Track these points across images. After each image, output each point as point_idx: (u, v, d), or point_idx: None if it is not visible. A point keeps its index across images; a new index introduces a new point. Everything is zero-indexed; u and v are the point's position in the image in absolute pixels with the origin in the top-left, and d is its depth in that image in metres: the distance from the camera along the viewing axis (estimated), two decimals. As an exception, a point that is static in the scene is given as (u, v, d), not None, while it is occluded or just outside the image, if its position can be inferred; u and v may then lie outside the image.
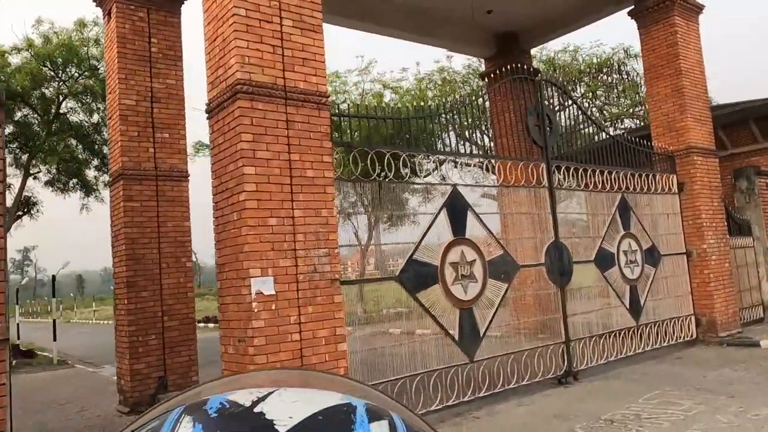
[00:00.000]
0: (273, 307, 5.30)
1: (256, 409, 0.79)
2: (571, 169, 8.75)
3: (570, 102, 9.28)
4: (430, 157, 7.41)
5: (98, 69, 14.79)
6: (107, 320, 29.16)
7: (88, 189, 16.54)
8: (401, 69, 28.12)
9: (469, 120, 7.98)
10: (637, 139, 10.22)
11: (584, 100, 22.21)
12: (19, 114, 14.73)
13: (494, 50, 13.69)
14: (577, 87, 22.55)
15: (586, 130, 9.71)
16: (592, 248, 8.99)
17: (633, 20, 11.48)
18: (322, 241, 5.70)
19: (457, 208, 7.25)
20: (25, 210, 16.06)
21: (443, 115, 7.54)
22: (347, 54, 20.33)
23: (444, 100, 7.27)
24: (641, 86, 23.48)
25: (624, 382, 7.77)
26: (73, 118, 15.22)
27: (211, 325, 22.47)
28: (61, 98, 14.62)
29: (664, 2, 10.87)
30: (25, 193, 16.07)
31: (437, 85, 23.27)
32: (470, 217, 7.39)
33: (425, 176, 7.36)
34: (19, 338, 23.08)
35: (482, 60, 15.85)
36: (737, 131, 14.27)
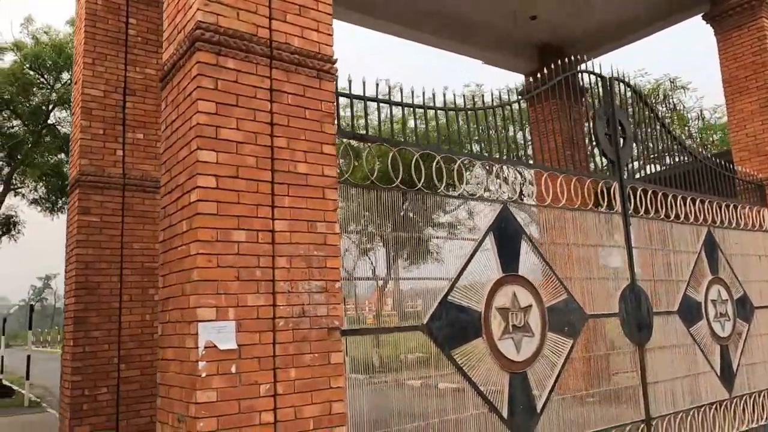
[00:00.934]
0: (232, 370, 3.39)
1: None
2: (648, 192, 6.80)
3: (643, 107, 7.36)
4: (475, 164, 5.53)
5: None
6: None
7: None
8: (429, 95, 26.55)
9: (515, 124, 6.11)
10: (724, 162, 8.26)
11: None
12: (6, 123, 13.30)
13: (536, 64, 11.92)
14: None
15: (660, 146, 7.76)
16: (674, 294, 6.95)
17: (708, 25, 9.67)
18: (316, 269, 3.82)
19: (507, 234, 5.33)
20: (4, 230, 14.44)
21: (496, 112, 5.66)
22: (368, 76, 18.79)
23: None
24: (689, 120, 21.55)
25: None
26: (64, 129, 13.69)
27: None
28: (50, 106, 13.13)
29: (749, 2, 9.05)
30: (7, 212, 14.49)
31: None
32: (524, 248, 5.46)
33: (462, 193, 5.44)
34: (2, 371, 21.24)
35: (515, 85, 14.15)
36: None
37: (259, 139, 3.70)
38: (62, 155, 13.63)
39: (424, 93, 5.13)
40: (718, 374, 7.15)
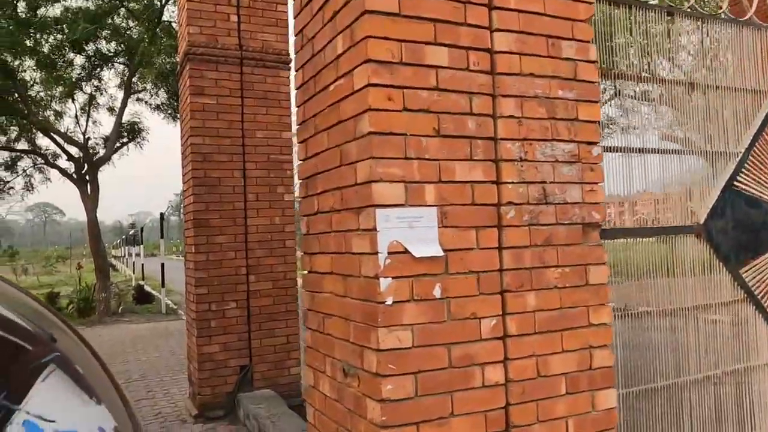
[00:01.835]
0: (436, 293, 1.91)
1: None
2: None
3: None
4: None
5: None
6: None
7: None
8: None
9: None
10: None
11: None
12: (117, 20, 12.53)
13: None
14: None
15: None
16: None
17: None
18: (561, 122, 2.18)
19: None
20: (130, 137, 14.07)
21: None
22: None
23: None
24: None
25: None
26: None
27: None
28: (163, 0, 12.11)
29: None
30: (132, 118, 14.07)
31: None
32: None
33: None
34: (143, 278, 22.26)
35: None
36: None
37: None
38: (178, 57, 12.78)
39: None
40: None
